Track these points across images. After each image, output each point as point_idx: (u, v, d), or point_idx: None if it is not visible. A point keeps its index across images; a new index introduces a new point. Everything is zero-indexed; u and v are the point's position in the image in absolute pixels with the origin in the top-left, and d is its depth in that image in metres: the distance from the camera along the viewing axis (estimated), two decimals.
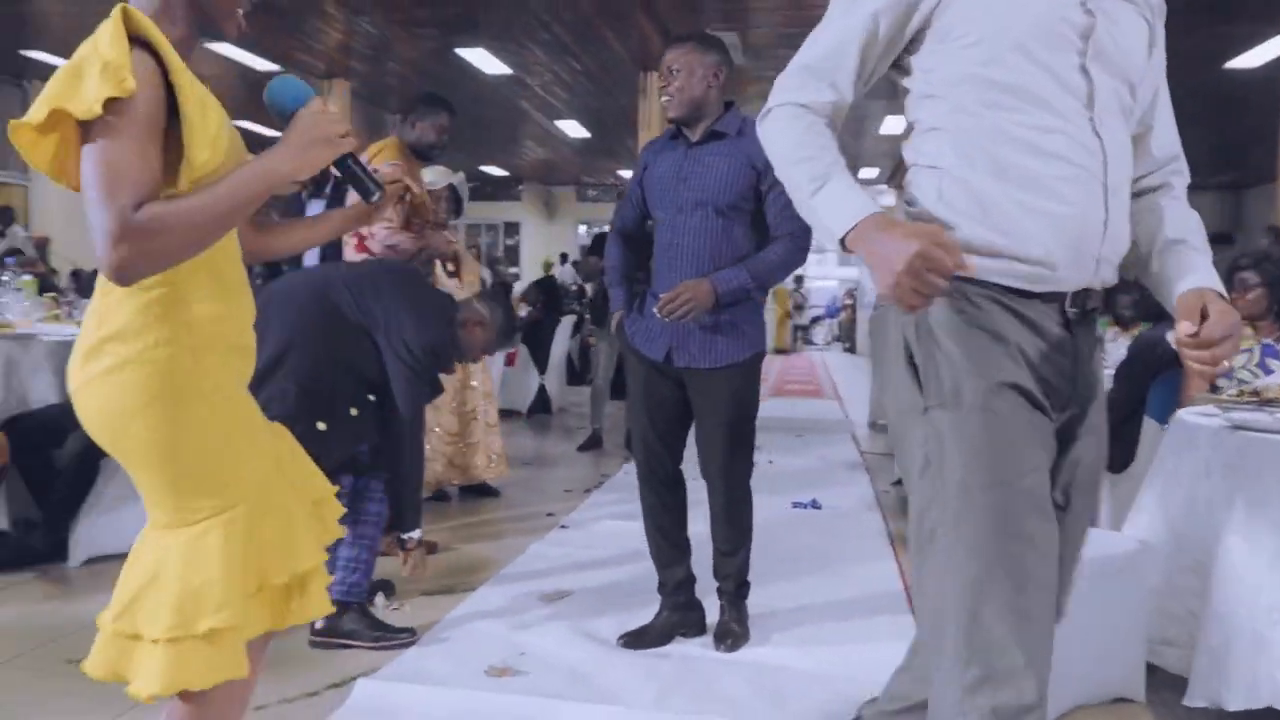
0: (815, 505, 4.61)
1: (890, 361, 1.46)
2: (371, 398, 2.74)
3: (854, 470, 5.63)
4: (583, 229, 20.09)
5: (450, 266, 4.19)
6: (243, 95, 11.57)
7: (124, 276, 1.23)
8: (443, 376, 2.93)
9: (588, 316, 7.58)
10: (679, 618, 2.79)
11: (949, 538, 1.32)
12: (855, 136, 13.98)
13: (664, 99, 2.62)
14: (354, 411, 2.67)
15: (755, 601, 2.88)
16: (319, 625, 2.68)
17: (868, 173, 17.51)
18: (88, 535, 3.39)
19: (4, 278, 4.19)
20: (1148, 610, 2.47)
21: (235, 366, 1.42)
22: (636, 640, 2.73)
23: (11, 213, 10.37)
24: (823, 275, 20.78)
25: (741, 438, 2.68)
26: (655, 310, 2.54)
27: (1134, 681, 2.45)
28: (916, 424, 1.39)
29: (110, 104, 1.20)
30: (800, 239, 2.59)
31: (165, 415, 1.31)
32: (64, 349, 3.79)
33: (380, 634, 2.72)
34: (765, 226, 2.64)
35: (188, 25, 1.37)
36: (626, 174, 11.30)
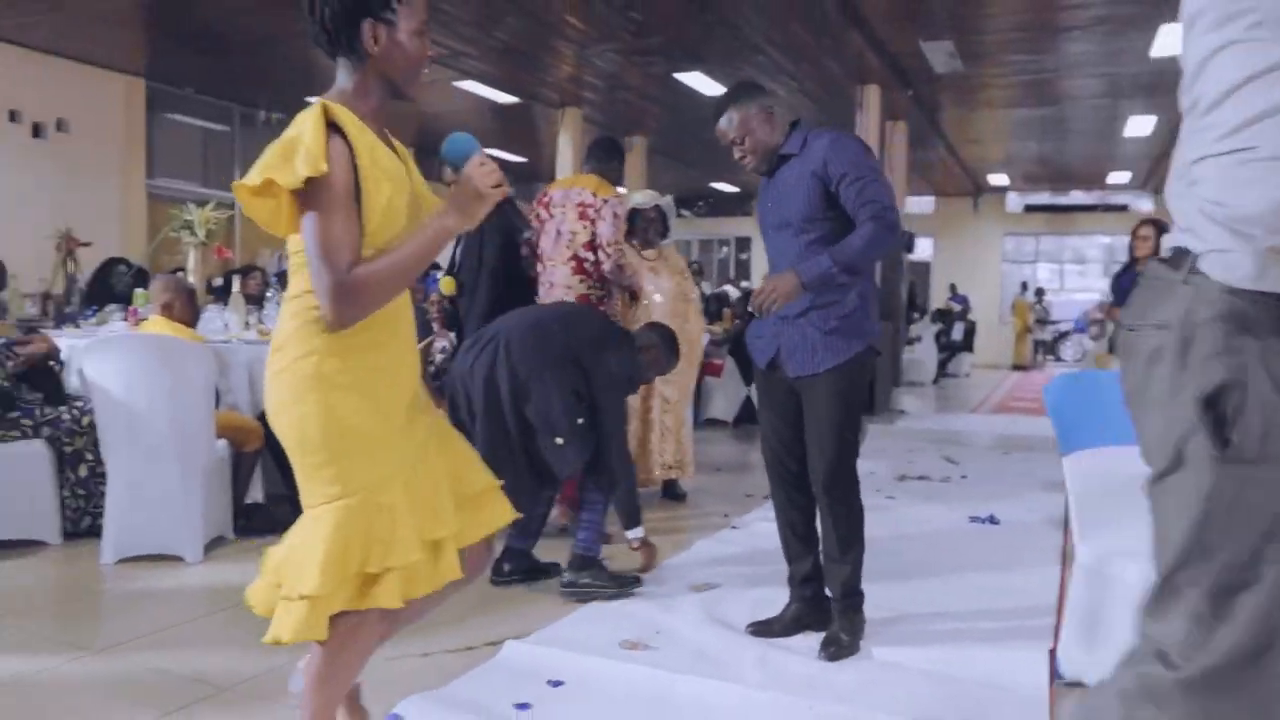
0: (993, 520, 4.55)
1: (1157, 395, 1.27)
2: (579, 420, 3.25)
3: (1049, 490, 5.44)
4: None
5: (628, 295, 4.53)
6: (489, 126, 12.70)
7: (342, 324, 1.62)
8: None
9: None
10: (806, 611, 2.92)
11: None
12: (1101, 140, 13.17)
13: (741, 161, 2.79)
14: (580, 421, 3.21)
15: (885, 603, 2.98)
16: (565, 579, 3.27)
17: (1118, 177, 16.35)
18: None
19: (268, 293, 5.02)
20: None
21: (383, 382, 1.71)
22: (763, 629, 2.90)
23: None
24: (1084, 287, 19.53)
25: (844, 441, 2.73)
26: (750, 308, 2.68)
27: None
28: (1201, 471, 1.20)
29: (310, 181, 1.56)
30: (884, 218, 2.60)
31: (301, 413, 1.66)
32: None
33: (615, 584, 3.26)
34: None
35: (379, 97, 1.74)
36: None
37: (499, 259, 4.11)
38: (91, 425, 3.74)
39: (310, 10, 1.69)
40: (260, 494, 4.24)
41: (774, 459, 2.90)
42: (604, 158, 4.24)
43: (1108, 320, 5.43)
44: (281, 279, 6.55)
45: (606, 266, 4.05)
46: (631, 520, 3.36)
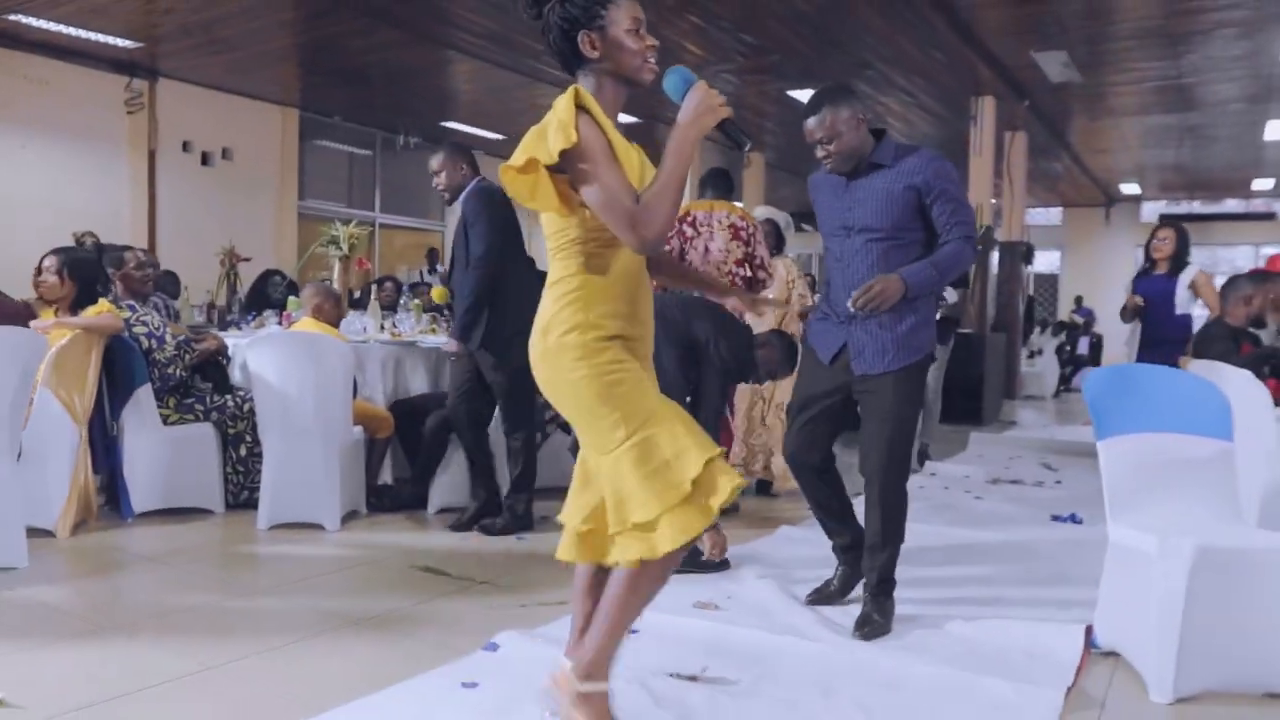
0: (1075, 520, 4.67)
1: None
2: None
3: None
4: None
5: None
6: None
7: (650, 244, 1.84)
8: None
9: None
10: (854, 571, 3.14)
11: None
12: (1241, 145, 12.70)
13: (824, 159, 2.91)
14: (687, 400, 3.55)
15: (943, 578, 3.21)
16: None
17: (1262, 184, 15.63)
18: (440, 491, 4.51)
19: (401, 300, 5.60)
20: None
21: (629, 347, 1.98)
22: (818, 596, 3.17)
23: (436, 253, 12.82)
24: None
25: (901, 438, 2.90)
26: (849, 305, 2.77)
27: None
28: None
29: (564, 153, 1.81)
30: (971, 239, 2.80)
31: (575, 380, 1.93)
32: (434, 353, 5.04)
33: (699, 568, 3.48)
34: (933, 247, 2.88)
35: (614, 89, 1.99)
36: None
37: (488, 241, 4.07)
38: (251, 412, 4.34)
39: (547, 41, 2.00)
40: (389, 476, 4.77)
41: (803, 448, 3.07)
42: (725, 187, 4.65)
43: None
44: (414, 289, 7.20)
45: (769, 283, 4.41)
46: None
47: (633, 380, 1.95)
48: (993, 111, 10.18)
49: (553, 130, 1.83)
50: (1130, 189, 16.98)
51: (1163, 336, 5.08)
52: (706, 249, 4.49)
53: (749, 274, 4.16)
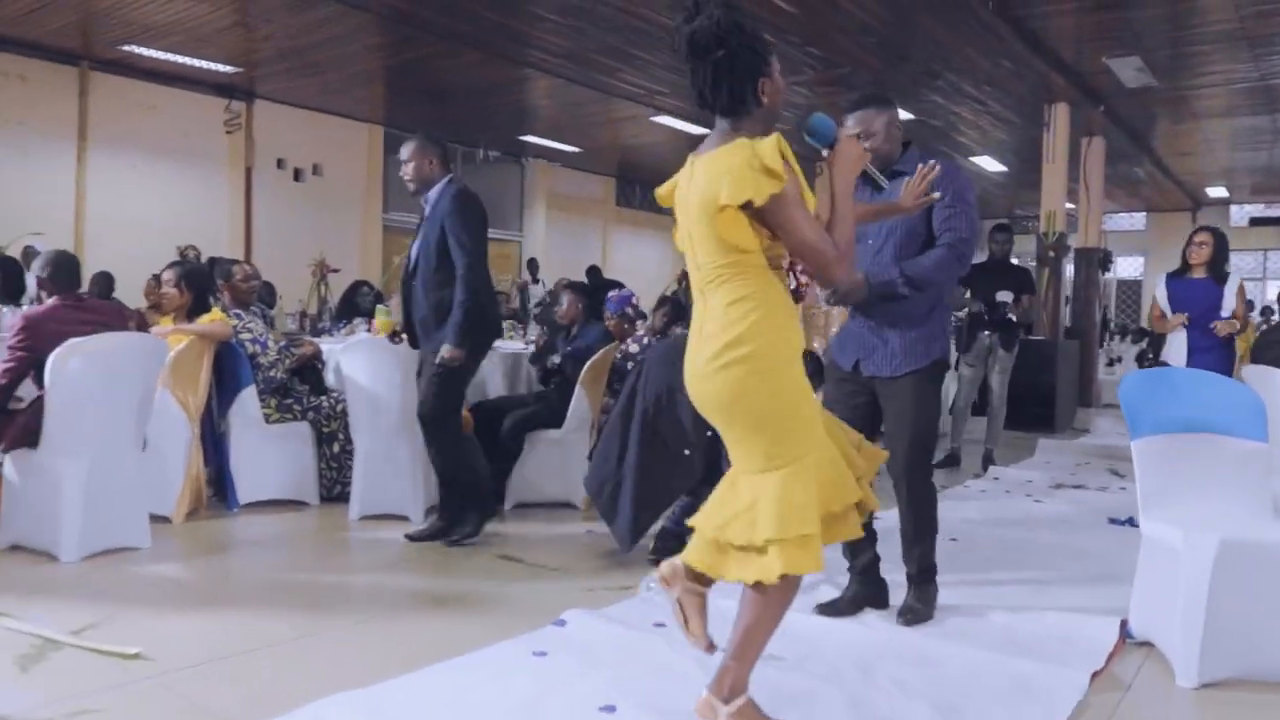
0: (1132, 523, 4.73)
1: None
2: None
3: None
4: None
5: None
6: (686, 155, 13.52)
7: (844, 280, 2.23)
8: None
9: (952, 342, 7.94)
10: (865, 592, 3.17)
11: None
12: None
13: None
14: (709, 434, 3.50)
15: (990, 572, 3.37)
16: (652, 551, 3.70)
17: None
18: (516, 487, 4.81)
19: None
20: None
21: (796, 356, 2.11)
22: (828, 609, 3.16)
23: (536, 262, 13.24)
24: None
25: (922, 439, 3.02)
26: (823, 301, 3.01)
27: None
28: None
29: (774, 197, 1.99)
30: (957, 248, 2.95)
31: (767, 392, 2.04)
32: (511, 358, 5.36)
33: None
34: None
35: (765, 128, 2.11)
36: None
37: (480, 245, 4.04)
38: (343, 412, 4.70)
39: (715, 89, 2.08)
40: None
41: None
42: None
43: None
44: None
45: (805, 291, 4.63)
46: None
47: (811, 402, 2.12)
48: (1066, 118, 10.14)
49: (761, 175, 1.98)
50: (1218, 192, 16.57)
51: (1210, 344, 5.00)
52: None
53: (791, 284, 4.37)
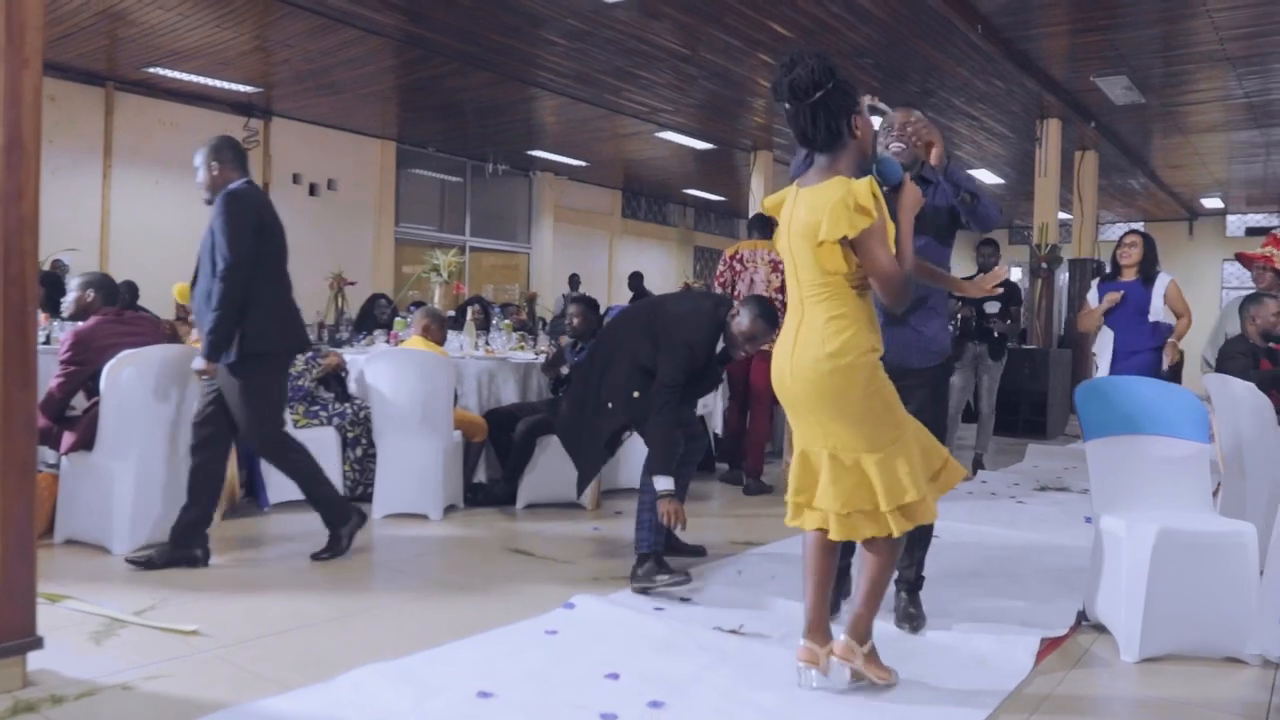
0: None
1: None
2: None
3: None
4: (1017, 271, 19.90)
5: None
6: (689, 169, 13.90)
7: (907, 301, 2.47)
8: None
9: None
10: (841, 590, 3.32)
11: None
12: None
13: (895, 147, 3.11)
14: (635, 395, 3.67)
15: (965, 565, 3.67)
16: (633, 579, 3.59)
17: None
18: (527, 489, 5.13)
19: (493, 321, 6.29)
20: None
21: (882, 366, 2.53)
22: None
23: (577, 276, 13.43)
24: None
25: (935, 434, 3.15)
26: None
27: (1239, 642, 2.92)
28: None
29: (863, 231, 2.37)
30: (989, 203, 3.14)
31: (869, 392, 2.46)
32: (523, 367, 5.69)
33: (670, 573, 3.52)
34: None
35: (859, 161, 2.51)
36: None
37: (238, 249, 3.66)
38: (367, 418, 5.04)
39: (814, 126, 2.41)
40: (484, 475, 5.42)
41: None
42: (765, 230, 5.19)
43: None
44: (504, 310, 7.91)
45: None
46: (659, 468, 3.51)
47: (896, 396, 2.54)
48: (1058, 134, 10.46)
49: (855, 214, 2.35)
50: (1213, 203, 16.86)
51: (1137, 346, 4.97)
52: (752, 280, 5.14)
53: (786, 299, 4.62)
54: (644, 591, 3.50)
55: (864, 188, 2.37)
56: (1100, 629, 3.21)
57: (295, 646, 2.89)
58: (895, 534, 2.48)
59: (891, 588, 3.33)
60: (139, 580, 3.54)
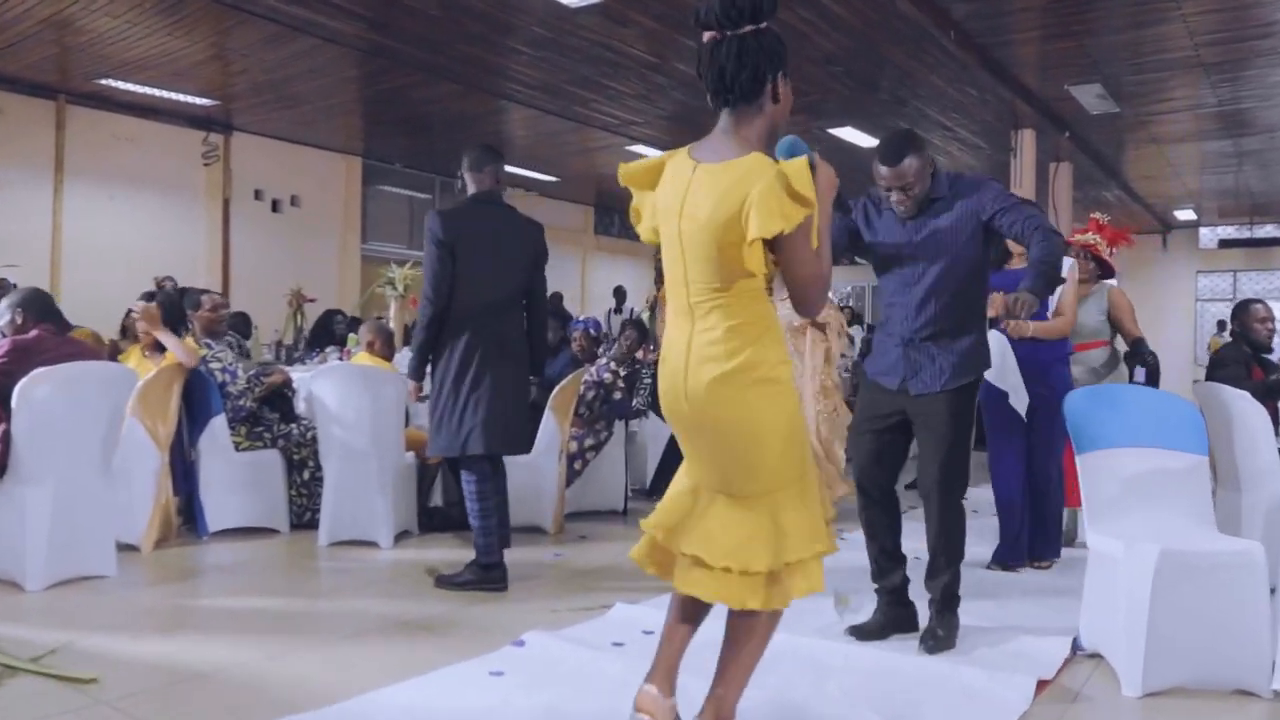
0: None
1: None
2: None
3: None
4: None
5: None
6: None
7: (821, 310, 2.00)
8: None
9: None
10: (894, 615, 3.15)
11: None
12: None
13: (899, 204, 2.97)
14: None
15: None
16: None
17: None
18: None
19: None
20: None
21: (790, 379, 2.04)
22: (858, 633, 3.12)
23: (624, 290, 13.05)
24: None
25: (955, 457, 2.96)
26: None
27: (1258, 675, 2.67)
28: None
29: (798, 225, 1.86)
30: (1046, 227, 2.83)
31: (775, 412, 1.97)
32: None
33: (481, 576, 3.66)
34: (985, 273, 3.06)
35: (767, 137, 2.01)
36: None
37: None
38: (313, 439, 4.73)
39: (740, 65, 1.94)
40: (439, 499, 5.12)
41: (865, 478, 3.11)
42: None
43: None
44: None
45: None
46: None
47: (804, 426, 2.09)
48: (1033, 144, 10.32)
49: (789, 202, 1.87)
50: (1186, 215, 16.84)
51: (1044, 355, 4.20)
52: None
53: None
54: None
55: (799, 170, 1.86)
56: (1096, 657, 2.96)
57: (205, 697, 2.59)
58: (811, 587, 1.99)
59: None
60: (50, 619, 3.22)
